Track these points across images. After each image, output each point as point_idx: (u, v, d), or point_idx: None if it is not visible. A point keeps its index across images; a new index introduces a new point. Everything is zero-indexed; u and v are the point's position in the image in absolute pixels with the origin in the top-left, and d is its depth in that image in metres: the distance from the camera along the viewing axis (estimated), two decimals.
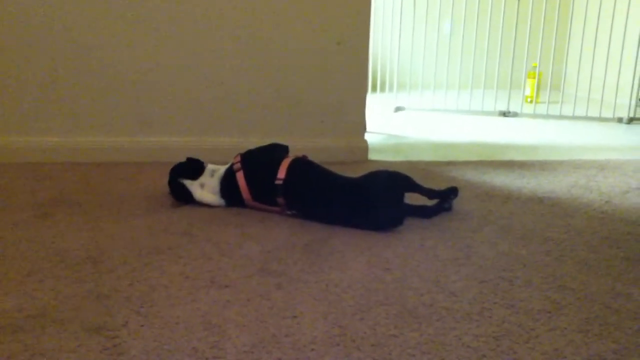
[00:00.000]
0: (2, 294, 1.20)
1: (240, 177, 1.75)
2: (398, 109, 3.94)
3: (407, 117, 3.74)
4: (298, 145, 2.06)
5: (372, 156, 2.49)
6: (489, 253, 1.47)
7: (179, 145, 2.33)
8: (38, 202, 1.79)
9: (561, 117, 3.77)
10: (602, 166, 2.42)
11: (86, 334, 1.05)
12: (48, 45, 2.21)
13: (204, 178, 1.82)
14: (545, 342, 1.06)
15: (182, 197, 1.82)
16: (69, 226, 1.59)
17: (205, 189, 1.81)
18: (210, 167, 1.85)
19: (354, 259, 1.42)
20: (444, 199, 1.79)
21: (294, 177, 1.70)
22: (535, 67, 4.16)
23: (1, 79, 2.22)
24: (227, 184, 1.78)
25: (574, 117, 3.74)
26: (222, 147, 2.33)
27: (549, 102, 3.88)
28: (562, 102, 3.84)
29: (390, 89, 4.15)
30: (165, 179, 1.88)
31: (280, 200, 1.70)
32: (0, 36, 2.18)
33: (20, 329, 1.06)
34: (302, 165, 1.74)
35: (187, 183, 1.80)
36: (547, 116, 3.80)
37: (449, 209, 1.79)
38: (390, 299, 1.21)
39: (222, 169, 1.82)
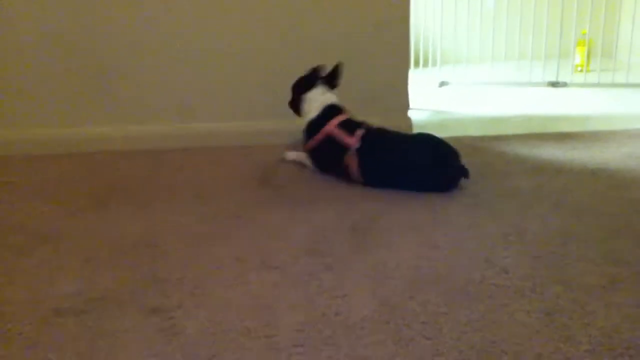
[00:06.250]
0: (64, 279, 1.25)
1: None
2: (443, 84, 3.87)
3: (452, 91, 3.67)
4: None
5: None
6: (540, 229, 1.44)
7: (223, 130, 2.37)
8: (93, 191, 1.86)
9: (614, 85, 3.62)
10: None
11: (144, 316, 1.09)
12: (93, 38, 2.27)
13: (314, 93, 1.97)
14: (601, 317, 1.04)
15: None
16: (123, 213, 1.65)
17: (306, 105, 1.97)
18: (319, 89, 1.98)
19: (401, 238, 1.41)
20: None
21: (368, 142, 1.77)
22: (584, 34, 3.99)
23: (51, 73, 2.29)
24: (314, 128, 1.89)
25: (627, 85, 3.59)
26: (266, 131, 2.35)
27: (600, 70, 3.74)
28: (614, 69, 3.69)
29: (434, 63, 4.07)
30: (212, 166, 1.91)
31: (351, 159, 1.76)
32: (47, 32, 2.25)
33: (83, 311, 1.11)
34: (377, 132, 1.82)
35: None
36: (599, 85, 3.66)
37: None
38: (439, 277, 1.21)
39: (317, 107, 1.93)
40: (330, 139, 1.82)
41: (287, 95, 2.10)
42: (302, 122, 1.99)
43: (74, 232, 1.52)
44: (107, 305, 1.13)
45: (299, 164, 2.03)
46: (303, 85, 2.00)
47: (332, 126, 1.83)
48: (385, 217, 1.55)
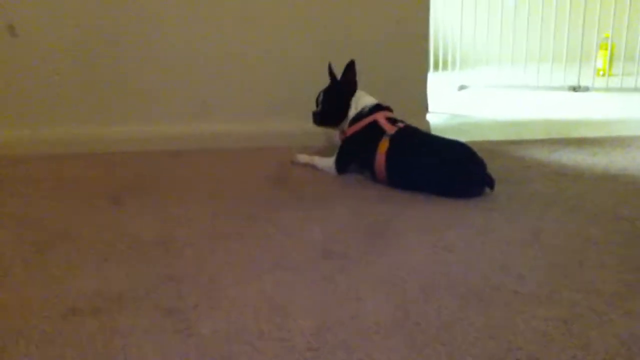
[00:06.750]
0: (82, 276, 1.27)
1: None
2: (462, 87, 3.85)
3: (472, 95, 3.65)
4: None
5: None
6: (558, 234, 1.43)
7: (240, 131, 2.38)
8: (109, 189, 1.88)
9: (637, 89, 3.57)
10: None
11: (159, 315, 1.10)
12: (113, 39, 2.30)
13: (361, 93, 1.99)
14: (620, 326, 1.02)
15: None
16: (140, 212, 1.66)
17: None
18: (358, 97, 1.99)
19: (417, 241, 1.41)
20: None
21: (402, 133, 1.82)
22: (607, 37, 3.94)
23: (70, 74, 2.32)
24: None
25: None
26: (284, 132, 2.36)
27: (622, 75, 3.68)
28: (638, 73, 3.64)
29: (453, 66, 4.05)
30: (227, 166, 1.92)
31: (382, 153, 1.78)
32: (65, 32, 2.28)
33: (99, 310, 1.12)
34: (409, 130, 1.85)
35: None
36: (621, 89, 3.61)
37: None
38: (455, 281, 1.20)
39: (367, 104, 1.94)
40: (373, 125, 1.86)
41: (303, 95, 2.09)
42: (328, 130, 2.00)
43: (92, 229, 1.53)
44: (124, 304, 1.14)
45: (310, 166, 2.03)
46: (351, 89, 1.99)
47: (380, 116, 1.87)
48: (401, 219, 1.55)
